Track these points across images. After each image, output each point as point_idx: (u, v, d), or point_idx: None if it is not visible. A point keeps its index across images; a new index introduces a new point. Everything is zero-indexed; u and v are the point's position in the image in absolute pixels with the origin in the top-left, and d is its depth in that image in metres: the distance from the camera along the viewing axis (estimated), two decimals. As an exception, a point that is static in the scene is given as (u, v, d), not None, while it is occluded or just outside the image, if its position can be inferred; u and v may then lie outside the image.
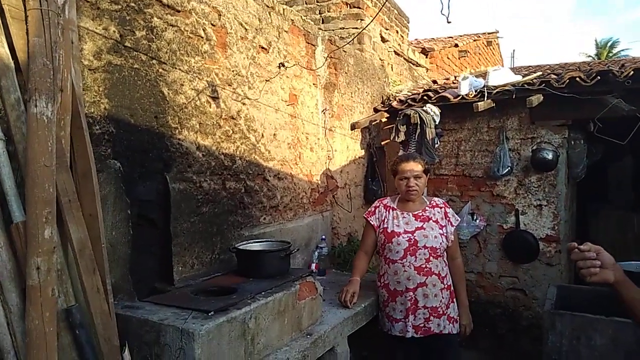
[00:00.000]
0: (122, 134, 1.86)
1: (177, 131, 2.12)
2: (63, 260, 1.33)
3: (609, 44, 21.45)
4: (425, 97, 4.10)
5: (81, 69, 1.65)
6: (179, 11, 2.13)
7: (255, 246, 2.33)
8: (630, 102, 3.33)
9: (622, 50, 21.22)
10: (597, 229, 5.37)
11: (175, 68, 2.11)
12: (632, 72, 3.24)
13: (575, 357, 2.62)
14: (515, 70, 5.62)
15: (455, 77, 5.93)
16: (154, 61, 2.00)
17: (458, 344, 2.64)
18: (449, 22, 2.02)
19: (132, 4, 1.90)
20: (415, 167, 2.53)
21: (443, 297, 2.52)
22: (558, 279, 3.94)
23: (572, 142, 3.93)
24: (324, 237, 3.26)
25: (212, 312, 1.67)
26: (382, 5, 4.51)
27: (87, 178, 1.44)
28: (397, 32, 5.40)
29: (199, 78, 2.24)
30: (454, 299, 2.62)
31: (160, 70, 2.03)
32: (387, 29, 5.04)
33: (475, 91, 3.90)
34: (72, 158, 1.44)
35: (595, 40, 22.67)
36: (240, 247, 2.25)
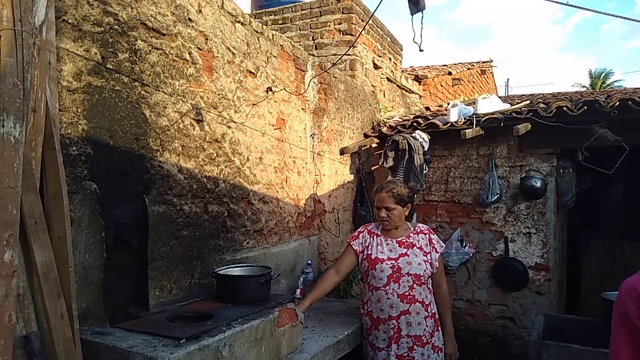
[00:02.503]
0: (100, 155, 1.84)
1: (158, 153, 2.11)
2: (26, 285, 1.29)
3: (602, 75, 21.81)
4: (414, 124, 4.13)
5: (59, 89, 1.65)
6: (164, 34, 2.15)
7: (234, 271, 2.29)
8: (616, 132, 3.35)
9: (616, 81, 21.60)
10: (588, 257, 5.34)
11: (159, 90, 2.11)
12: (617, 103, 3.27)
13: (563, 389, 2.56)
14: (508, 98, 5.68)
15: (447, 104, 5.99)
16: (137, 83, 2.01)
17: (442, 374, 2.58)
18: (421, 50, 2.04)
19: (116, 27, 1.91)
20: (384, 199, 2.51)
21: (427, 326, 2.48)
22: (548, 308, 3.89)
23: (561, 171, 3.94)
24: (309, 262, 3.21)
25: (183, 340, 1.62)
26: (365, 23, 4.58)
27: (58, 199, 1.42)
28: (390, 59, 5.47)
29: (183, 101, 2.24)
30: (439, 327, 2.58)
31: (142, 92, 2.03)
32: (379, 56, 5.11)
33: (464, 118, 3.92)
34: (44, 179, 1.42)
35: (590, 71, 23.03)
36: (220, 272, 2.21)
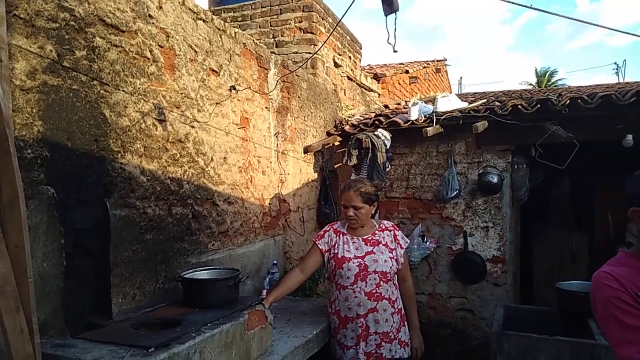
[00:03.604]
0: (57, 158, 1.75)
1: (119, 155, 2.02)
2: (-18, 298, 1.20)
3: (547, 74, 22.89)
4: (376, 122, 4.18)
5: (12, 89, 1.55)
6: (124, 31, 2.06)
7: (201, 274, 2.24)
8: (567, 129, 3.53)
9: (560, 79, 22.74)
10: (539, 249, 5.60)
11: (119, 89, 2.03)
12: (568, 101, 3.44)
13: (522, 377, 2.68)
14: (462, 96, 5.85)
15: (406, 102, 6.10)
16: (95, 82, 1.91)
17: (410, 367, 2.63)
18: (395, 52, 2.07)
19: (72, 23, 1.81)
20: (352, 198, 2.51)
21: (394, 322, 2.51)
22: (504, 299, 4.05)
23: (515, 167, 4.11)
24: (275, 262, 3.19)
25: (152, 349, 1.56)
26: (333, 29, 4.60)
27: (14, 206, 1.33)
28: (350, 57, 5.51)
29: (144, 100, 2.16)
30: (405, 323, 2.62)
31: (102, 91, 1.94)
32: (340, 55, 5.13)
33: (425, 117, 4.01)
34: (-3, 185, 1.33)
35: (536, 70, 24.12)
36: (186, 276, 2.15)
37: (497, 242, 4.11)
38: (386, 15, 1.90)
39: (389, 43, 1.97)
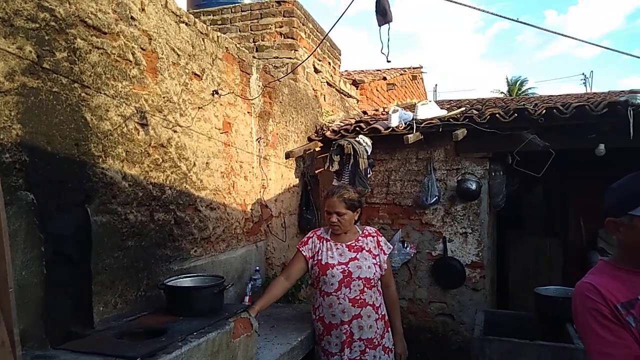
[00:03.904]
0: (36, 162, 1.69)
1: (100, 160, 1.97)
2: (-41, 310, 1.14)
3: (518, 82, 23.54)
4: (357, 128, 4.20)
5: (-10, 90, 1.49)
6: (105, 33, 2.01)
7: (185, 282, 2.20)
8: (543, 137, 3.63)
9: (530, 88, 23.42)
10: (515, 254, 5.72)
11: (100, 92, 1.97)
12: (544, 111, 3.54)
13: (503, 381, 2.72)
14: (439, 103, 5.95)
15: (384, 108, 6.17)
16: (76, 84, 1.86)
17: (392, 373, 2.63)
18: (388, 62, 2.09)
19: (53, 23, 1.76)
20: (336, 204, 2.51)
21: (378, 328, 2.52)
22: (483, 303, 4.11)
23: (493, 174, 4.20)
24: (257, 268, 3.16)
25: (138, 359, 1.52)
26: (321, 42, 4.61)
27: (-7, 213, 1.27)
28: (330, 63, 5.53)
29: (126, 104, 2.11)
30: (389, 329, 2.63)
31: (83, 94, 1.89)
32: (319, 60, 5.14)
33: (405, 124, 4.05)
34: (-24, 190, 1.27)
35: (507, 78, 24.77)
36: (169, 284, 2.10)
37: (475, 248, 4.18)
38: (380, 26, 1.92)
39: (383, 53, 1.99)
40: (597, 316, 1.30)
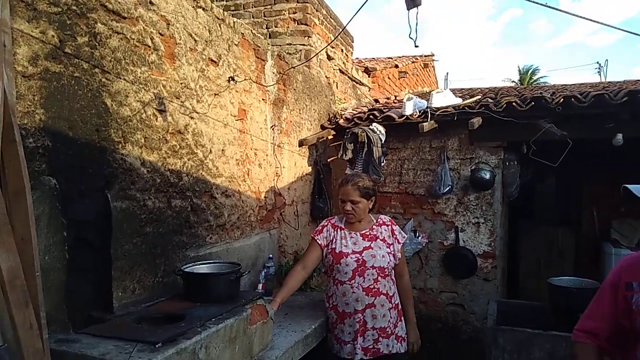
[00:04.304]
0: (59, 148, 1.69)
1: (120, 145, 1.97)
2: (-10, 293, 1.16)
3: (530, 71, 23.24)
4: (371, 116, 4.17)
5: (14, 75, 1.49)
6: (125, 18, 2.00)
7: (202, 268, 2.21)
8: (560, 127, 3.58)
9: (542, 77, 23.12)
10: (527, 245, 5.70)
11: (120, 78, 1.97)
12: (562, 99, 3.49)
13: (516, 371, 2.73)
14: (452, 92, 5.88)
15: (395, 96, 6.11)
16: (97, 70, 1.86)
17: (405, 362, 2.64)
18: (416, 46, 2.06)
19: (74, 7, 1.75)
20: (350, 192, 2.49)
21: (391, 317, 2.52)
22: (494, 294, 4.11)
23: (507, 163, 4.16)
24: (271, 256, 3.17)
25: (159, 344, 1.54)
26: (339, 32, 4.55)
27: (20, 197, 1.28)
28: (342, 50, 5.48)
29: (145, 89, 2.11)
30: (402, 318, 2.63)
31: (103, 79, 1.89)
32: (332, 47, 5.09)
33: (419, 112, 4.02)
34: (3, 174, 1.28)
35: (518, 67, 24.47)
36: (187, 270, 2.11)
37: (487, 238, 4.16)
38: (408, 9, 1.88)
39: (411, 37, 1.96)
40: (604, 286, 1.56)
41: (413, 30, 1.90)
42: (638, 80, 5.54)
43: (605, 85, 5.24)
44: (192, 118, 2.44)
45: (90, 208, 1.83)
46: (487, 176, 4.00)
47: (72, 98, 1.75)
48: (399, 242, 2.62)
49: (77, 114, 1.77)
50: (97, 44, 1.86)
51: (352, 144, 3.71)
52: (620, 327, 1.49)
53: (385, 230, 2.63)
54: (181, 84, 2.36)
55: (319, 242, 2.59)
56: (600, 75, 12.42)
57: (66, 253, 1.67)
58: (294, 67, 3.58)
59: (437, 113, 3.94)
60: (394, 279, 2.62)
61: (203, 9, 2.56)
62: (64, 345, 1.53)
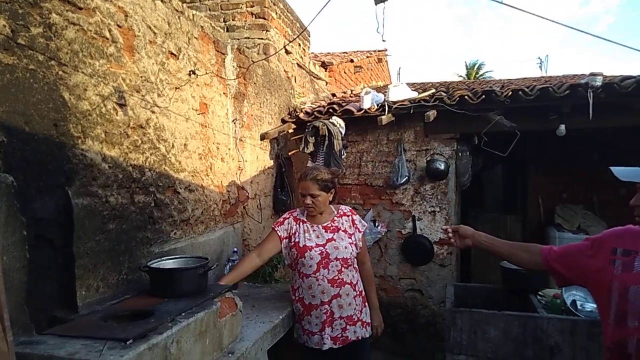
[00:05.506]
0: (15, 143, 1.62)
1: (80, 141, 1.91)
2: (-49, 295, 1.11)
3: (476, 66, 24.12)
4: (330, 110, 4.23)
5: (-34, 67, 1.42)
6: (81, 8, 1.93)
7: (168, 264, 2.18)
8: (508, 118, 3.78)
9: (487, 71, 24.06)
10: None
11: (78, 71, 1.90)
12: (510, 93, 3.68)
13: (473, 350, 2.88)
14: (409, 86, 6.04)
15: (351, 90, 6.21)
16: (53, 62, 1.79)
17: (370, 345, 2.72)
18: (384, 41, 2.11)
19: (27, -3, 1.68)
20: (309, 186, 2.52)
21: (356, 305, 2.58)
22: (450, 278, 4.30)
23: (460, 154, 4.34)
24: (235, 249, 3.16)
25: (130, 340, 1.52)
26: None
27: (-20, 196, 1.23)
28: (300, 45, 5.49)
29: (104, 83, 2.05)
30: (366, 304, 2.70)
31: (60, 72, 1.82)
32: (290, 42, 5.10)
33: (377, 105, 4.11)
34: (-40, 172, 1.22)
35: (465, 62, 25.34)
36: (154, 266, 2.09)
37: (443, 226, 4.32)
38: (376, 4, 1.92)
39: (378, 32, 2.01)
40: (586, 241, 1.69)
41: (380, 25, 1.95)
42: (576, 75, 5.90)
43: (546, 79, 5.55)
44: (153, 112, 2.39)
45: (51, 205, 1.77)
46: (442, 167, 4.16)
47: (28, 91, 1.68)
48: (359, 231, 2.68)
49: (34, 108, 1.70)
50: (52, 35, 1.79)
51: (314, 137, 3.75)
52: (580, 270, 1.66)
53: (347, 221, 2.68)
54: (141, 77, 2.31)
55: (279, 234, 2.60)
56: (541, 69, 13.12)
57: (26, 252, 1.61)
58: (255, 62, 3.57)
59: (395, 106, 4.05)
60: (356, 267, 2.68)
61: (162, 1, 2.51)
62: (27, 348, 1.48)
